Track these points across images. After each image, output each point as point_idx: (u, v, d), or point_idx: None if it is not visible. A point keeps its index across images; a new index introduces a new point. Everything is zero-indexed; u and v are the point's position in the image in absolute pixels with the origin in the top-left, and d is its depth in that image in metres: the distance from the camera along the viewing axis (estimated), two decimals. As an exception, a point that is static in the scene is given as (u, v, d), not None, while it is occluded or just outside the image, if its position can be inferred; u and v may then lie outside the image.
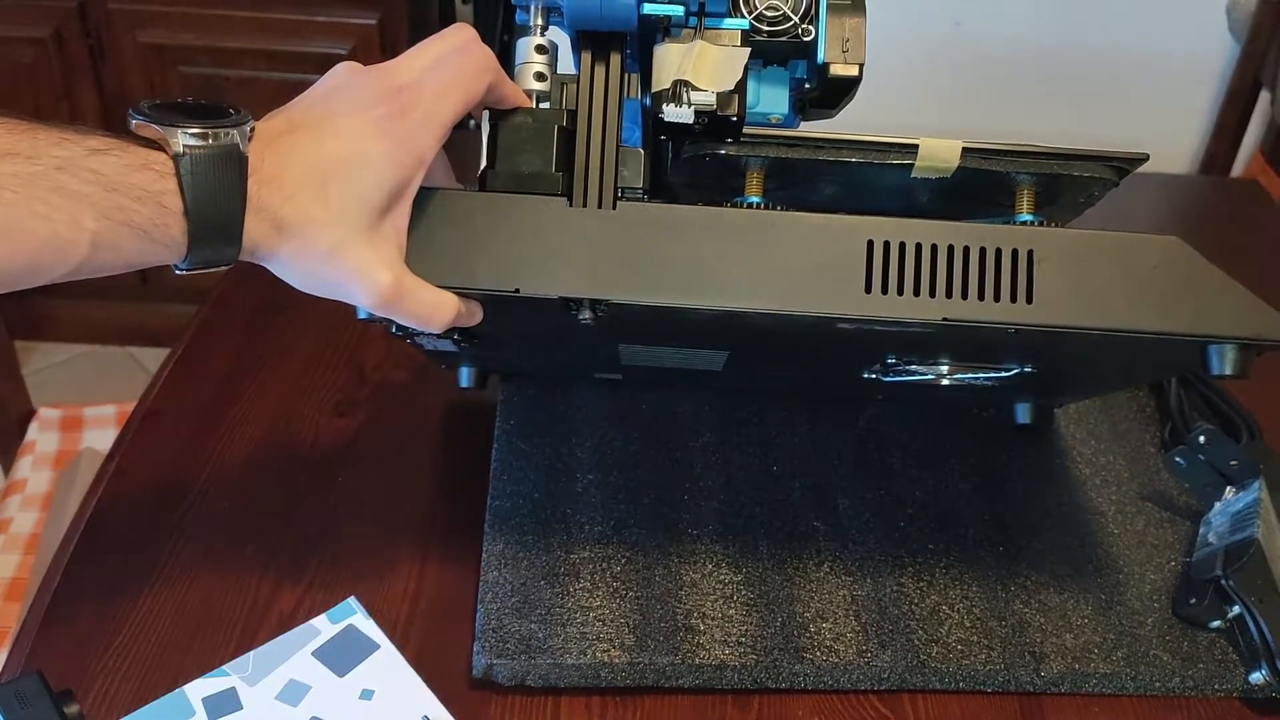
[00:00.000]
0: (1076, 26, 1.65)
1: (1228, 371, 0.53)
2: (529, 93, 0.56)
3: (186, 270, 0.49)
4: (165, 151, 0.46)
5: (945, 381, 0.65)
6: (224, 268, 0.50)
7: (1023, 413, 0.80)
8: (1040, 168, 0.58)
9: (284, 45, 1.67)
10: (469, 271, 0.53)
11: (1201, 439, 0.73)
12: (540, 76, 0.56)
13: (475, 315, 0.55)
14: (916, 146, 0.57)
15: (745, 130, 0.56)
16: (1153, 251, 0.53)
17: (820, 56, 0.56)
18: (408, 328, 0.58)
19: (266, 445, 0.78)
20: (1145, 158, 0.58)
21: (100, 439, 1.24)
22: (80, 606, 0.66)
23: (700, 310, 0.53)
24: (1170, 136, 1.72)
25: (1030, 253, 0.53)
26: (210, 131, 0.46)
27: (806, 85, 0.58)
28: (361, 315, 0.54)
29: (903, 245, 0.52)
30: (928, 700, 0.64)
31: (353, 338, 0.88)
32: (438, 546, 0.70)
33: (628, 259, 0.52)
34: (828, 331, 0.55)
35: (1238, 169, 1.69)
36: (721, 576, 0.68)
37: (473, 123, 0.57)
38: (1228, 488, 0.73)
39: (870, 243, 0.52)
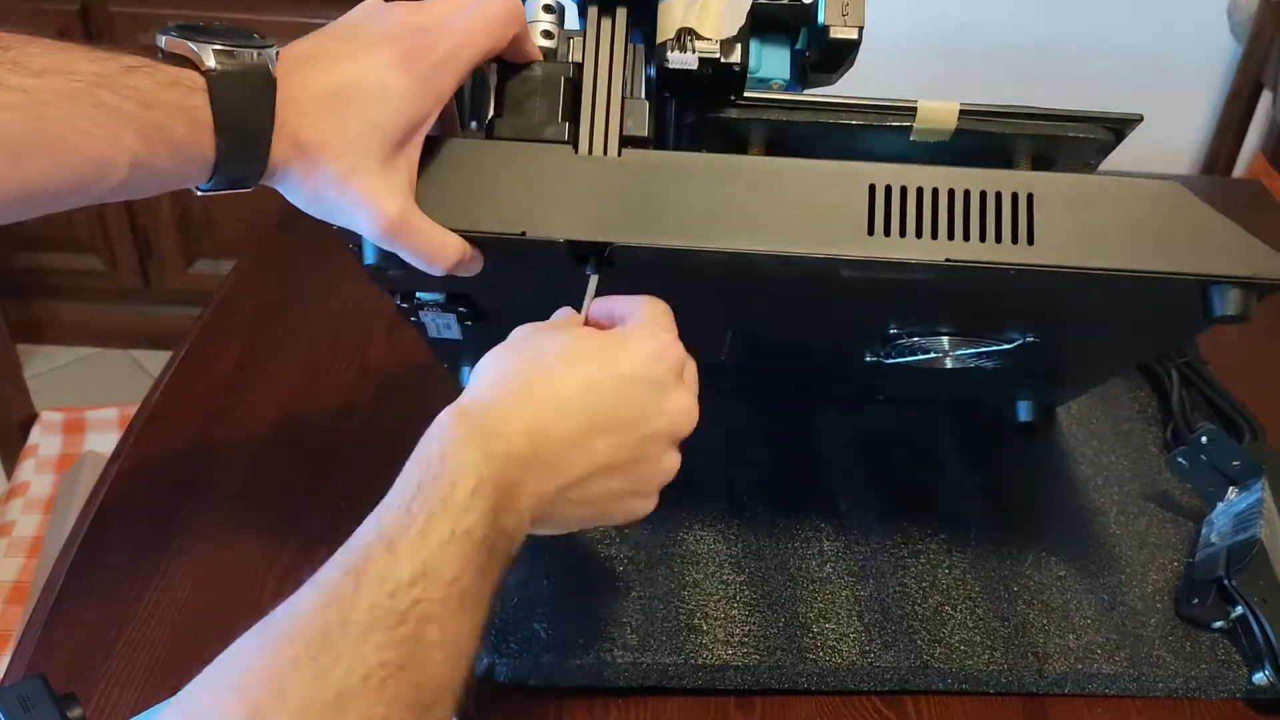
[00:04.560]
0: (1078, 27, 1.65)
1: (1230, 311, 0.53)
2: None
3: (209, 190, 0.49)
4: (197, 69, 0.46)
5: (949, 363, 0.65)
6: (243, 189, 0.50)
7: (1025, 411, 0.79)
8: (1037, 129, 0.58)
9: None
10: (475, 216, 0.53)
11: (1204, 439, 0.73)
12: (548, 35, 0.57)
13: (477, 264, 0.55)
14: (915, 108, 0.58)
15: (746, 95, 0.57)
16: (1151, 194, 0.53)
17: (820, 19, 0.56)
18: (413, 298, 0.58)
19: (269, 447, 0.78)
20: (1139, 119, 0.59)
21: (103, 442, 1.24)
22: (83, 610, 0.66)
23: (705, 253, 0.53)
24: (1172, 137, 1.72)
25: (1030, 196, 0.53)
26: (240, 50, 0.47)
27: (807, 55, 0.59)
28: (368, 260, 0.54)
29: (904, 189, 0.53)
30: (930, 702, 0.64)
31: (356, 339, 0.88)
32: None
33: (632, 204, 0.53)
34: (830, 283, 0.55)
35: (1239, 169, 1.69)
36: (724, 577, 0.68)
37: (474, 124, 0.57)
38: (1230, 488, 0.73)
39: (872, 186, 0.53)
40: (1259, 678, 0.64)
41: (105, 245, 1.91)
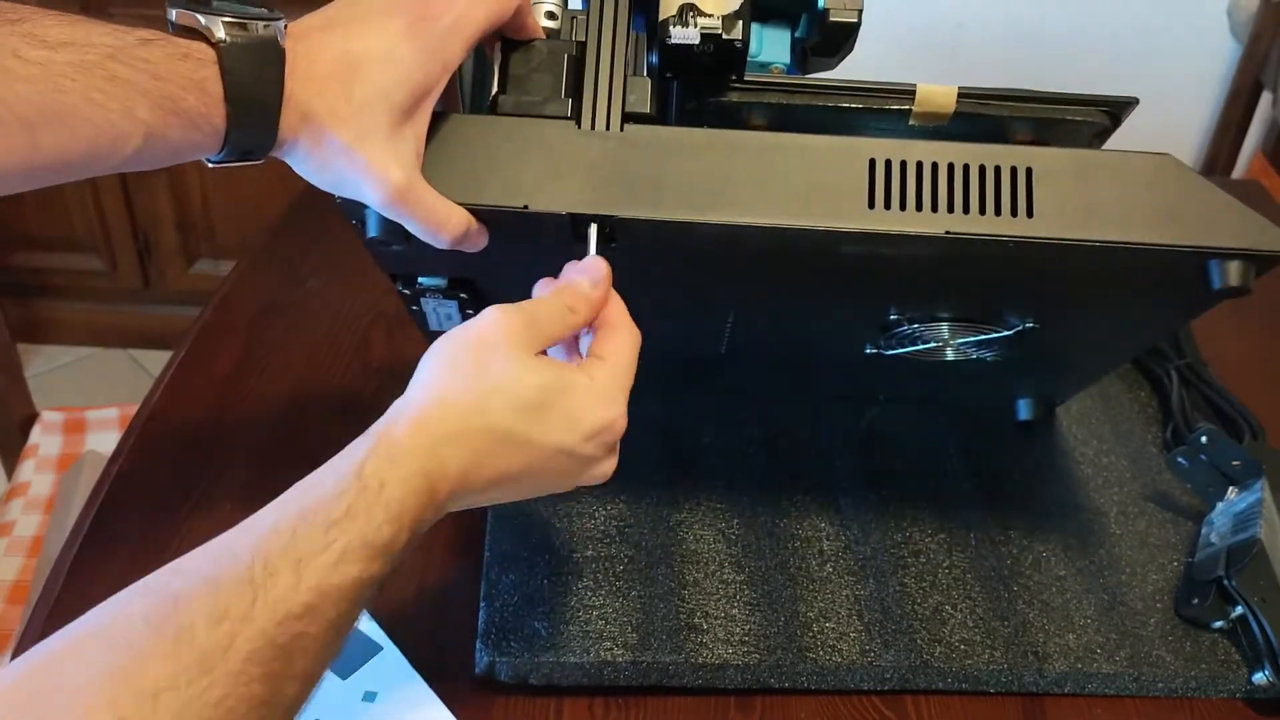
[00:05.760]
0: (1077, 28, 1.65)
1: (1231, 283, 0.53)
2: None
3: (220, 162, 0.50)
4: (207, 40, 0.47)
5: (949, 354, 0.65)
6: (254, 161, 0.51)
7: (1025, 409, 0.79)
8: (1034, 112, 0.59)
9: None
10: (479, 190, 0.53)
11: (1203, 439, 0.73)
12: (551, 15, 0.58)
13: (481, 239, 0.55)
14: (913, 91, 0.58)
15: (746, 79, 0.57)
16: (1148, 168, 0.54)
17: (820, 3, 0.57)
18: (415, 284, 0.58)
19: (269, 447, 0.78)
20: (1135, 101, 0.59)
21: (103, 442, 1.24)
22: (83, 610, 0.65)
23: (706, 225, 0.53)
24: (1172, 137, 1.72)
25: (1029, 170, 0.53)
26: (250, 22, 0.47)
27: (807, 39, 0.60)
28: (371, 233, 0.54)
29: (904, 163, 0.53)
30: (930, 702, 0.64)
31: (356, 339, 0.88)
32: (440, 547, 0.70)
33: (634, 178, 0.53)
34: (831, 257, 0.55)
35: (1239, 170, 1.69)
36: (724, 576, 0.68)
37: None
38: (1230, 488, 0.73)
39: (873, 161, 0.53)
40: (1259, 678, 0.64)
41: (105, 245, 1.90)
